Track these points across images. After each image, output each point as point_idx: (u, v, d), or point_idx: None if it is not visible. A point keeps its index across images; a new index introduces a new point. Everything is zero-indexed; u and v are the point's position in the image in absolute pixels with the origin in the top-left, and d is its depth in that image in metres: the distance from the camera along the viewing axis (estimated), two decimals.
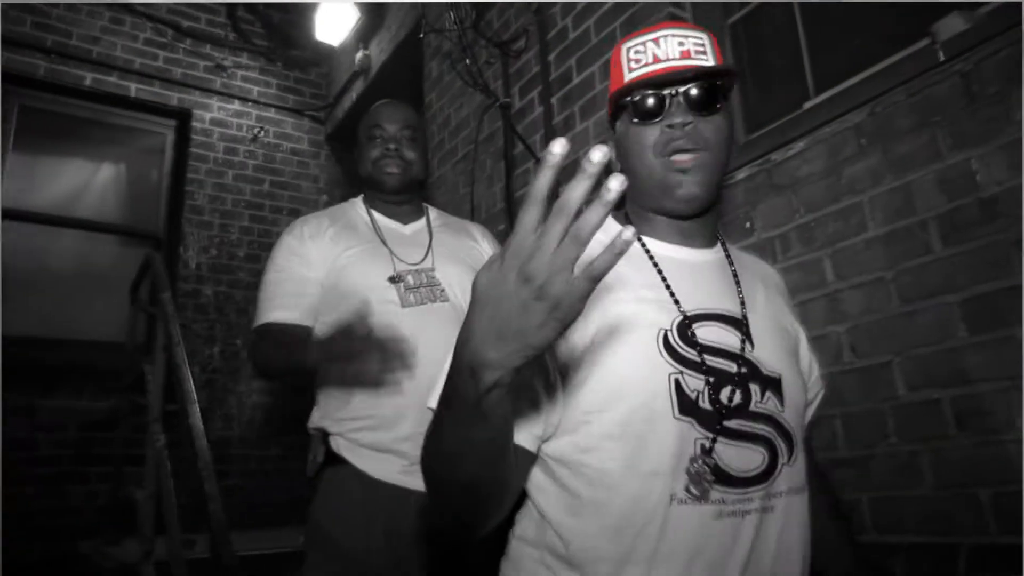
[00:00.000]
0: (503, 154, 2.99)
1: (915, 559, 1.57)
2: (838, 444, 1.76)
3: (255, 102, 4.78)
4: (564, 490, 1.03)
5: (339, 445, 1.73)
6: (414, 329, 1.69)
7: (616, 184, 0.61)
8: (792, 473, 1.05)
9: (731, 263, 1.20)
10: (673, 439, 0.99)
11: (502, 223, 2.97)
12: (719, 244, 1.23)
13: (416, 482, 1.70)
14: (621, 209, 1.26)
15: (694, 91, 1.11)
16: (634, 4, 2.45)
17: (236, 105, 4.71)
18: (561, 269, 0.64)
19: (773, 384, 1.08)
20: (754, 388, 1.06)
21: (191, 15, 4.68)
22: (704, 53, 1.13)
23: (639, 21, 2.42)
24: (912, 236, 1.66)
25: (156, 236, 4.42)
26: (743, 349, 1.08)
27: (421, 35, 3.42)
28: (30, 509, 3.60)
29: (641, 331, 1.04)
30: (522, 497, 1.09)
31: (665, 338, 1.04)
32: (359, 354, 1.63)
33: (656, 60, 1.12)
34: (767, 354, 1.10)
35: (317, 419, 1.81)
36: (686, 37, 1.14)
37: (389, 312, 1.76)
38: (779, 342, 1.14)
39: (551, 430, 1.03)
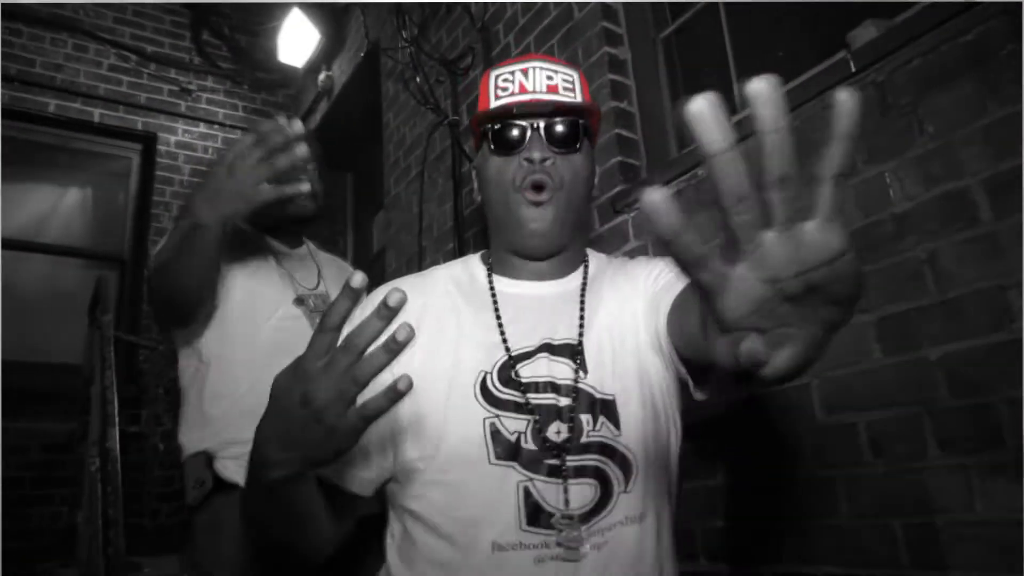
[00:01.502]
0: (452, 172, 2.94)
1: None
2: (757, 468, 1.69)
3: (221, 124, 4.77)
4: (404, 536, 1.01)
5: (228, 468, 1.63)
6: None
7: (401, 335, 0.65)
8: (631, 500, 0.98)
9: (583, 290, 1.14)
10: (489, 485, 0.95)
11: (451, 242, 2.93)
12: (580, 270, 1.17)
13: None
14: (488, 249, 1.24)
15: (555, 126, 1.08)
16: (570, 18, 2.42)
17: (202, 128, 4.71)
18: (337, 402, 0.68)
19: (607, 408, 1.02)
20: (585, 418, 1.00)
21: (155, 40, 4.69)
22: (572, 90, 1.11)
23: (576, 36, 2.38)
24: None
25: (121, 258, 4.41)
26: (576, 379, 1.03)
27: (362, 54, 3.39)
28: None
29: (460, 377, 1.01)
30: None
31: (483, 382, 1.01)
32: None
33: (523, 90, 1.10)
34: (600, 376, 1.04)
35: (197, 440, 1.71)
36: (555, 72, 1.12)
37: (299, 329, 1.74)
38: (614, 356, 1.06)
39: (386, 472, 1.02)
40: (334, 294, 1.89)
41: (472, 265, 1.20)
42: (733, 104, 2.03)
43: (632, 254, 2.08)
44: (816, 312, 0.48)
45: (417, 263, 3.11)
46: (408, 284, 1.09)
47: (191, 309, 1.64)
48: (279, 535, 0.92)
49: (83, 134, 4.42)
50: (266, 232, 1.93)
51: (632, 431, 1.01)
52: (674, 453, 1.10)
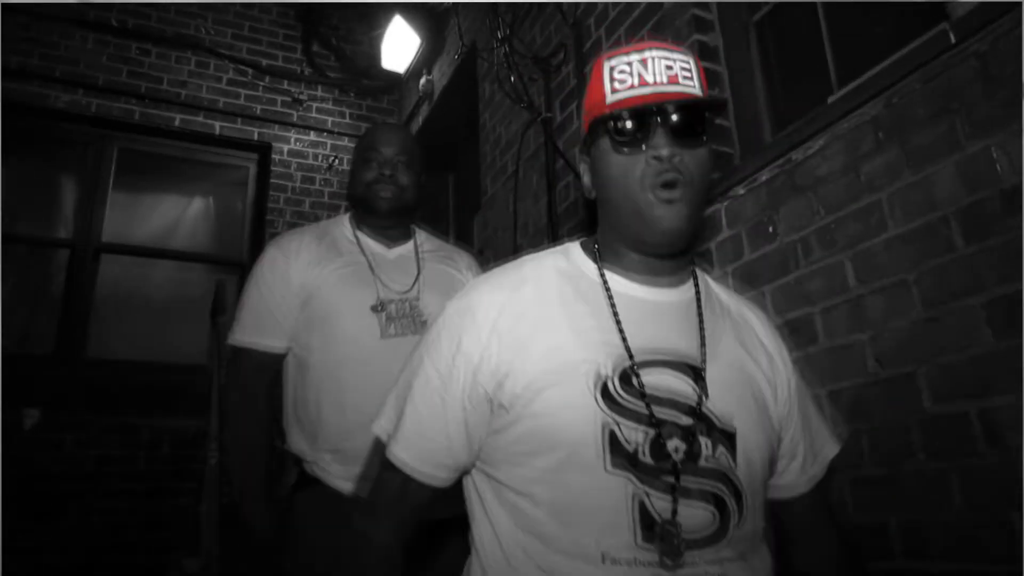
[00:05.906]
0: (546, 169, 2.97)
1: None
2: (864, 461, 1.63)
3: (329, 132, 4.97)
4: (503, 535, 0.99)
5: (313, 469, 1.73)
6: (389, 363, 1.60)
7: None
8: (741, 537, 0.97)
9: (699, 304, 1.11)
10: (604, 493, 0.92)
11: (546, 239, 2.95)
12: (691, 282, 1.14)
13: None
14: (592, 236, 1.19)
15: (681, 120, 1.03)
16: (661, 6, 2.39)
17: (312, 136, 4.91)
18: None
19: (726, 439, 0.99)
20: (705, 442, 0.97)
21: (270, 54, 4.94)
22: (691, 78, 1.05)
23: (666, 25, 2.36)
24: (933, 234, 1.53)
25: (241, 263, 4.65)
26: (698, 400, 0.99)
27: (455, 56, 3.46)
28: (126, 522, 3.84)
29: (579, 376, 0.97)
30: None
31: (604, 385, 0.97)
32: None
33: (643, 83, 1.03)
34: (723, 406, 1.01)
35: (291, 442, 1.80)
36: (674, 60, 1.05)
37: (365, 344, 1.74)
38: (739, 393, 1.04)
39: (470, 459, 1.05)
40: (430, 294, 1.85)
41: (576, 257, 1.14)
42: (830, 85, 1.96)
43: (724, 244, 2.05)
44: None
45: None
46: (504, 276, 1.11)
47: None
48: None
49: (205, 146, 4.72)
50: (364, 231, 1.95)
51: (746, 469, 1.00)
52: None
